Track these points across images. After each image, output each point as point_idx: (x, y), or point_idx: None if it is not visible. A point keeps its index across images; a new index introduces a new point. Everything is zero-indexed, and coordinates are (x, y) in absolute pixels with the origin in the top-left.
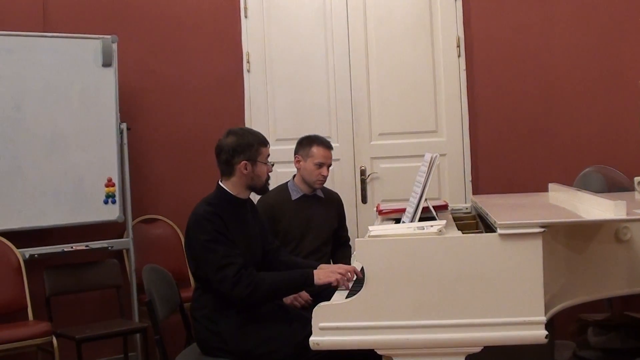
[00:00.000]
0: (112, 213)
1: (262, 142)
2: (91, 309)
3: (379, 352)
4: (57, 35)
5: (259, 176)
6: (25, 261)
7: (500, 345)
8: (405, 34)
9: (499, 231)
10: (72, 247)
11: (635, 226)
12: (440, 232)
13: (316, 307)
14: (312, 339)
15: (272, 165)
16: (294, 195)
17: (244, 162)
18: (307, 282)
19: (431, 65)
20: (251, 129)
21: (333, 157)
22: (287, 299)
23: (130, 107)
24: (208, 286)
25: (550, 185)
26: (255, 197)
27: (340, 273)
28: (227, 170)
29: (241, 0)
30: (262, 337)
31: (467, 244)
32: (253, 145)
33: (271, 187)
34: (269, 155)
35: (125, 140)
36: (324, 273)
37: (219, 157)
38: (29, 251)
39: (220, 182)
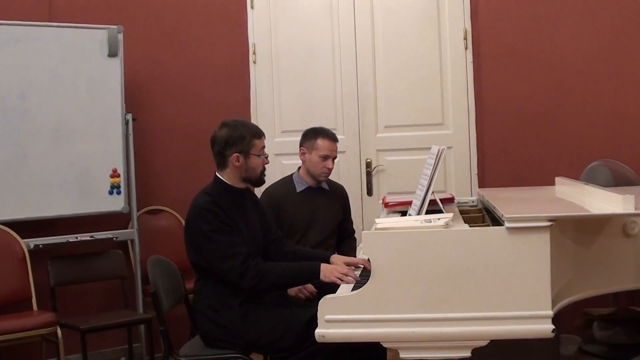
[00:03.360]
0: (117, 204)
1: (255, 134)
2: (96, 299)
3: (385, 345)
4: (62, 25)
5: (252, 168)
6: (30, 251)
7: (506, 339)
8: (412, 26)
9: (507, 224)
10: (76, 238)
11: None
12: (447, 225)
13: (322, 300)
14: (317, 331)
15: (267, 157)
16: (299, 188)
17: (236, 154)
18: (313, 276)
19: (438, 58)
20: (245, 121)
21: (339, 150)
22: (292, 291)
23: (135, 98)
24: (208, 275)
25: (557, 179)
26: (259, 190)
27: (345, 273)
28: (221, 162)
29: None
30: (265, 327)
31: (475, 237)
32: (245, 138)
33: (276, 179)
34: (264, 147)
35: (130, 131)
36: (329, 270)
37: (213, 149)
38: (33, 241)
39: (217, 173)
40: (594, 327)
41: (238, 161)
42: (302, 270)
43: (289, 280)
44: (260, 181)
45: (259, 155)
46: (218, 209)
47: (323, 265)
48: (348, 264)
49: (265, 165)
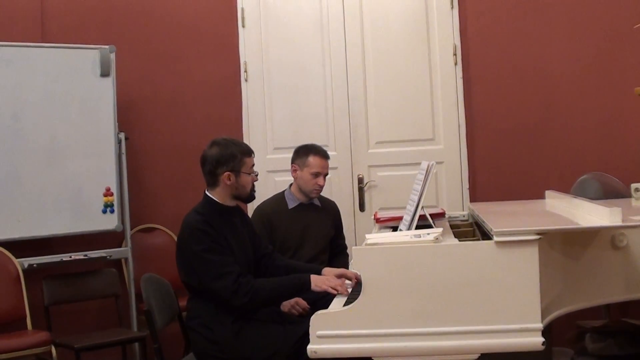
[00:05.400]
0: (110, 222)
1: (246, 152)
2: (90, 318)
3: None
4: (55, 46)
5: (243, 186)
6: (24, 271)
7: (497, 353)
8: (402, 43)
9: (496, 238)
10: (70, 257)
11: (631, 233)
12: (437, 240)
13: (314, 315)
14: (309, 347)
15: (257, 175)
16: (291, 204)
17: (227, 173)
18: (304, 287)
19: (428, 74)
20: (235, 140)
21: (330, 166)
22: (285, 307)
23: (128, 117)
24: (201, 294)
25: (547, 193)
26: (251, 206)
27: (337, 284)
28: (211, 180)
29: (239, 9)
30: (258, 343)
31: (464, 252)
32: (236, 157)
33: (268, 196)
34: (253, 165)
35: (123, 150)
36: (320, 280)
37: (203, 168)
38: (27, 261)
39: (206, 192)
40: (586, 339)
41: (229, 180)
42: (293, 283)
43: (281, 294)
44: (250, 198)
45: (249, 174)
46: (209, 228)
47: (313, 276)
48: (339, 276)
49: (256, 182)
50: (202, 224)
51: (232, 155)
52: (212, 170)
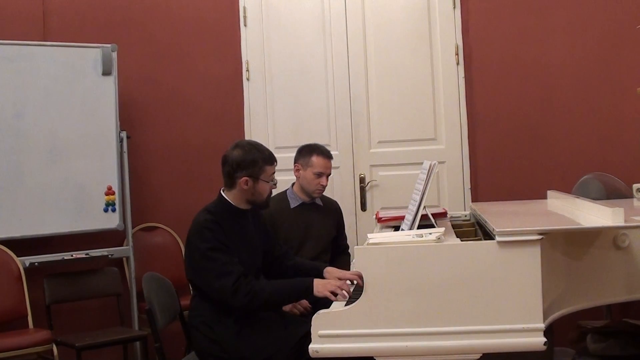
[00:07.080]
0: (112, 221)
1: (268, 160)
2: (91, 316)
3: None
4: (57, 44)
5: (259, 193)
6: (25, 269)
7: (499, 353)
8: (404, 42)
9: (498, 238)
10: (72, 255)
11: (633, 233)
12: (439, 239)
13: (315, 315)
14: (311, 346)
15: (275, 183)
16: (293, 204)
17: (245, 178)
18: (307, 292)
19: (430, 73)
20: (260, 145)
21: (332, 165)
22: (287, 307)
23: (130, 116)
24: (204, 293)
25: (549, 193)
26: None
27: (338, 286)
28: (229, 182)
29: (241, 9)
30: (259, 343)
31: (466, 252)
32: (257, 163)
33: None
34: (273, 173)
35: (125, 149)
36: (322, 285)
37: (223, 168)
38: (29, 259)
39: (222, 191)
40: (587, 339)
41: (246, 185)
42: (295, 287)
43: (282, 298)
44: (265, 205)
45: (267, 182)
46: (217, 227)
47: (316, 281)
48: (340, 279)
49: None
50: (210, 222)
51: (254, 161)
52: (231, 172)
